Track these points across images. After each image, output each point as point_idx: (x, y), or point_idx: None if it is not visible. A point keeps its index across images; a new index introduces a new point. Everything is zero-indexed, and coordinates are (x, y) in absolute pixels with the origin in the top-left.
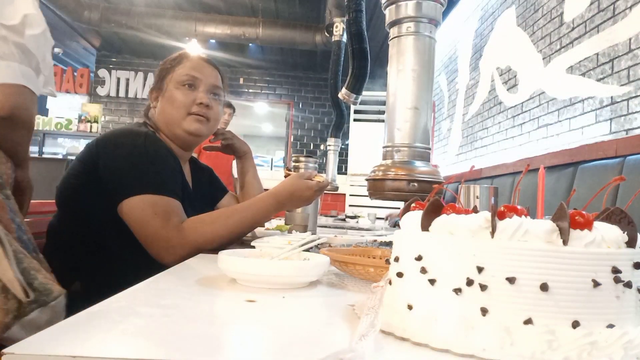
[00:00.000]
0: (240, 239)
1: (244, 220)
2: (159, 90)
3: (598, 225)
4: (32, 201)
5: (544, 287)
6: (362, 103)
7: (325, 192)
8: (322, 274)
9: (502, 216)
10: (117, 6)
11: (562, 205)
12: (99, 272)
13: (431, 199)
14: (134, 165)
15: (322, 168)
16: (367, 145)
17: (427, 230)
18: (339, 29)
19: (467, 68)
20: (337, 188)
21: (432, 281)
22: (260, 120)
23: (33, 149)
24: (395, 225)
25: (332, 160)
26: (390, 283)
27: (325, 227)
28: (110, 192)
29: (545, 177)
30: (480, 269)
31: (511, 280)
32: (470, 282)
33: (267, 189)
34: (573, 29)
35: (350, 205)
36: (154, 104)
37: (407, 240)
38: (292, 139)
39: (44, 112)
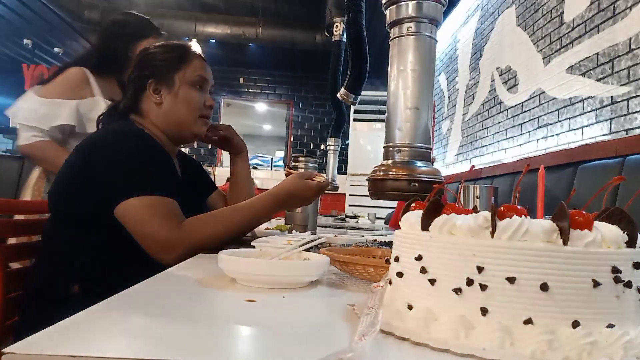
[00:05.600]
0: (239, 239)
1: (244, 220)
2: (166, 85)
3: (598, 225)
4: (30, 200)
5: (544, 287)
6: (362, 103)
7: (325, 192)
8: (322, 274)
9: (502, 216)
10: (117, 6)
11: (562, 205)
12: (97, 275)
13: (431, 198)
14: (128, 167)
15: (322, 168)
16: (367, 145)
17: (427, 230)
18: (339, 29)
19: (467, 68)
20: (337, 188)
21: (432, 281)
22: (260, 120)
23: None
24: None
25: (332, 160)
26: (390, 283)
27: (325, 227)
28: (105, 195)
29: (545, 177)
30: (480, 269)
31: (511, 280)
32: (470, 282)
33: (266, 189)
34: (573, 28)
35: (350, 205)
36: (156, 97)
37: (407, 240)
38: (292, 139)
39: None
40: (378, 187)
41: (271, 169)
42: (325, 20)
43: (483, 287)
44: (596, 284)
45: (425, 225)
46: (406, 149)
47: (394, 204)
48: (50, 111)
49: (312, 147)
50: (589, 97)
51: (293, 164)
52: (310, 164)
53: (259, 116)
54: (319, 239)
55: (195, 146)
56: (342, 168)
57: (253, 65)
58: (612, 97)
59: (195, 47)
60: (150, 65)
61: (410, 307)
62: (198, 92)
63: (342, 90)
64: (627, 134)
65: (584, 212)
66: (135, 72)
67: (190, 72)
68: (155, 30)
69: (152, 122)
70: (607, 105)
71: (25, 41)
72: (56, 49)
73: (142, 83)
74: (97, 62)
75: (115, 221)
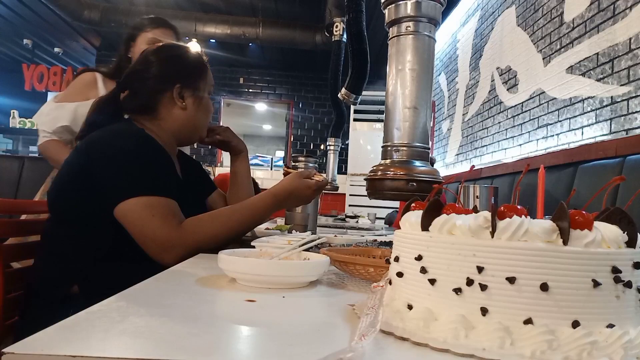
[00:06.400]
0: (239, 238)
1: (243, 220)
2: (192, 91)
3: (598, 225)
4: (30, 200)
5: (544, 287)
6: (362, 103)
7: (325, 192)
8: (322, 274)
9: (502, 216)
10: (117, 6)
11: (562, 205)
12: (97, 275)
13: (431, 198)
14: (128, 167)
15: (322, 168)
16: (367, 145)
17: (427, 230)
18: (339, 29)
19: (467, 68)
20: (337, 188)
21: (432, 281)
22: (260, 120)
23: (33, 149)
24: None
25: (332, 160)
26: (390, 283)
27: (325, 227)
28: (105, 195)
29: (545, 177)
30: (480, 269)
31: (511, 280)
32: (470, 282)
33: (264, 189)
34: (573, 28)
35: (350, 205)
36: (181, 102)
37: (407, 240)
38: (292, 139)
39: None
40: (376, 187)
41: (271, 169)
42: (325, 20)
43: (483, 287)
44: (596, 284)
45: (425, 225)
46: (404, 148)
47: (393, 204)
48: (55, 114)
49: (312, 147)
50: (589, 97)
51: (293, 164)
52: (310, 164)
53: (259, 116)
54: (319, 239)
55: (195, 146)
56: (342, 168)
57: (253, 65)
58: (612, 97)
59: (195, 47)
60: (176, 68)
61: (410, 307)
62: (210, 99)
63: (343, 90)
64: (627, 134)
65: (584, 212)
66: (150, 72)
67: (209, 80)
68: (151, 22)
69: (161, 124)
70: (607, 105)
71: (25, 41)
72: (56, 49)
73: (165, 85)
74: (112, 68)
75: (115, 221)
